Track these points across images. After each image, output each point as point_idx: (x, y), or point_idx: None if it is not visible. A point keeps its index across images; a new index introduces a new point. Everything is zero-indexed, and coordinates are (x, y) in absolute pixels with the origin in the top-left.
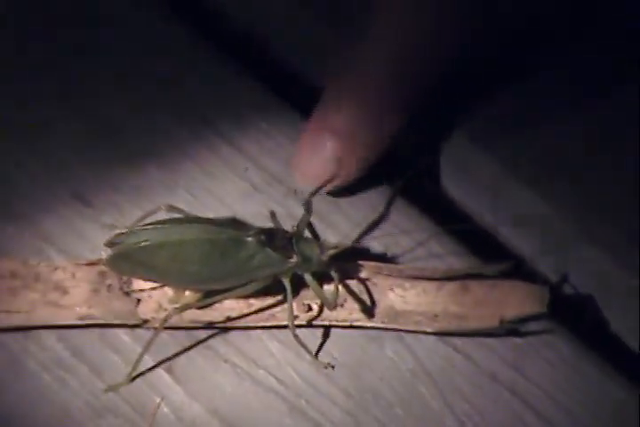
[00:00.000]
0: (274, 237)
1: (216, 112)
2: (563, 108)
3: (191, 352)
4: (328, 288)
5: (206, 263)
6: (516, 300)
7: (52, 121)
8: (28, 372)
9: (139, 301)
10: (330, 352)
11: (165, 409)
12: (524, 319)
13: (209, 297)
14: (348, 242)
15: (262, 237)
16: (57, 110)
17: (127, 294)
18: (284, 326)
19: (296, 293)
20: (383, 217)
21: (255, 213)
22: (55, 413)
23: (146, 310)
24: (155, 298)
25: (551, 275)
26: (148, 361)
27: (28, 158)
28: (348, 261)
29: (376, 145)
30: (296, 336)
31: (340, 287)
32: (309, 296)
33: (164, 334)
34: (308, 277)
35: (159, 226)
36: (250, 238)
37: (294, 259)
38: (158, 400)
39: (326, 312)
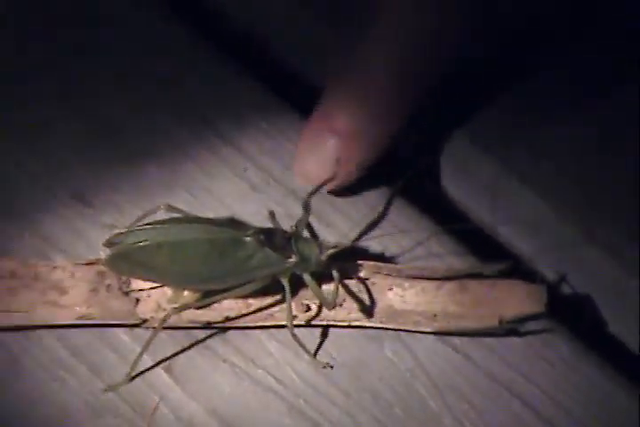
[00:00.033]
0: (273, 237)
1: (216, 112)
2: (563, 108)
3: (190, 352)
4: (327, 288)
5: (205, 263)
6: (515, 299)
7: (51, 121)
8: (28, 371)
9: (138, 300)
10: (329, 352)
11: (164, 409)
12: (524, 319)
13: (208, 297)
14: (347, 242)
15: (261, 236)
16: (57, 110)
17: (126, 293)
18: (283, 326)
19: (295, 292)
20: (382, 217)
21: (254, 213)
22: (54, 412)
23: (145, 310)
24: (153, 298)
25: (550, 275)
26: (147, 361)
27: (27, 158)
28: (347, 260)
29: (376, 145)
30: (295, 336)
31: (340, 287)
32: (308, 296)
33: (163, 334)
34: (306, 277)
35: (158, 226)
36: (249, 238)
37: (293, 259)
38: (157, 400)
39: (325, 312)
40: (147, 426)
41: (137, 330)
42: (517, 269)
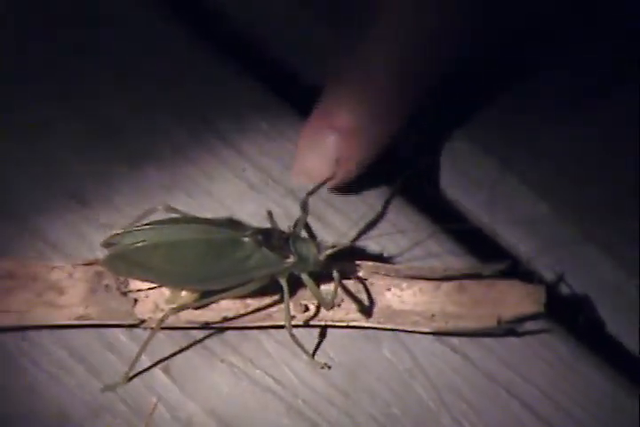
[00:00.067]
0: (271, 237)
1: (216, 112)
2: (563, 108)
3: (188, 352)
4: (325, 288)
5: (203, 263)
6: (513, 300)
7: (51, 121)
8: (26, 372)
9: (136, 301)
10: (327, 352)
11: (162, 409)
12: (522, 319)
13: (206, 297)
14: (345, 242)
15: (259, 237)
16: (57, 110)
17: (124, 294)
18: (281, 326)
19: (293, 293)
20: (381, 217)
21: (253, 214)
22: (52, 413)
23: (143, 310)
24: (151, 298)
25: (549, 275)
26: (145, 361)
27: (27, 158)
28: (345, 260)
29: (376, 144)
30: (293, 336)
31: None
32: (306, 296)
33: (161, 334)
34: (305, 277)
35: (156, 226)
36: (246, 238)
37: (291, 259)
38: (155, 400)
39: (323, 312)
40: (145, 426)
41: (135, 330)
42: (516, 270)
